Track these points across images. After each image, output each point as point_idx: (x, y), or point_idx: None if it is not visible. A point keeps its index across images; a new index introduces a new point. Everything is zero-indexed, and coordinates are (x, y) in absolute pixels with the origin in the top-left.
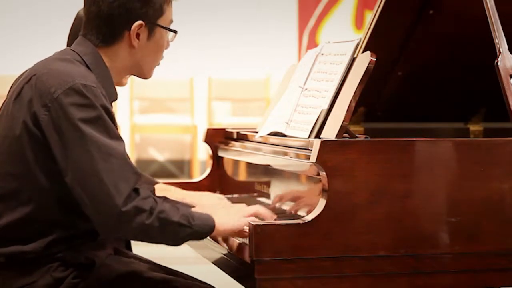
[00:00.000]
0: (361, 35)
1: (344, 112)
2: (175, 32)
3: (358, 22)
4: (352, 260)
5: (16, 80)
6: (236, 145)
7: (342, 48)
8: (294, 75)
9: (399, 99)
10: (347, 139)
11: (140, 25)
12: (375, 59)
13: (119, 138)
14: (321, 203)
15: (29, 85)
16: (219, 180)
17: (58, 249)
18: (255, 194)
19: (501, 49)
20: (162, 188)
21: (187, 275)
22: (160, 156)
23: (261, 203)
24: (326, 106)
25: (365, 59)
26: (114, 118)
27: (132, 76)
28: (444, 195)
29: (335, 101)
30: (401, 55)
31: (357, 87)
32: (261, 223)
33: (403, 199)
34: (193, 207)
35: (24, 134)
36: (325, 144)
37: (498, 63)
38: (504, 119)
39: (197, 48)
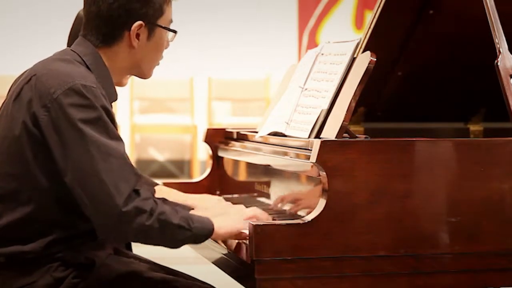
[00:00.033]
0: (361, 35)
1: (344, 112)
2: (175, 32)
3: (358, 22)
4: (352, 260)
5: (16, 80)
6: (236, 145)
7: (342, 48)
8: (294, 75)
9: (399, 99)
10: (347, 139)
11: (140, 25)
12: (375, 59)
13: (119, 139)
14: (321, 203)
15: (29, 85)
16: (219, 180)
17: (58, 249)
18: (255, 194)
19: (501, 49)
20: (163, 190)
21: (187, 275)
22: (160, 156)
23: (261, 203)
24: (326, 106)
25: (365, 59)
26: (114, 119)
27: (132, 76)
28: (444, 195)
29: (335, 101)
30: (401, 55)
31: (357, 87)
32: (261, 223)
33: (403, 199)
34: (192, 209)
35: (23, 135)
36: (325, 144)
37: (498, 63)
38: (504, 119)
39: (197, 48)
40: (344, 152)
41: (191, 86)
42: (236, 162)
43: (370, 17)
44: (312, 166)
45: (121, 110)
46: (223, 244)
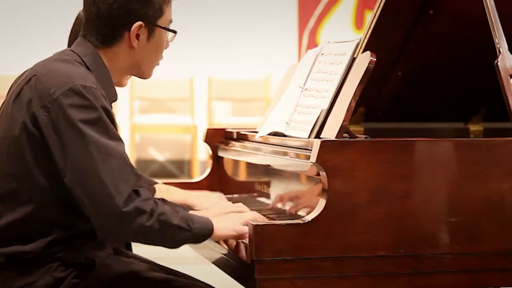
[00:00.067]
0: (361, 35)
1: (344, 112)
2: (174, 32)
3: (358, 22)
4: (352, 260)
5: (15, 80)
6: (236, 145)
7: (342, 48)
8: (294, 75)
9: (399, 99)
10: (347, 139)
11: (140, 26)
12: (375, 59)
13: (119, 139)
14: (321, 203)
15: (29, 85)
16: (219, 180)
17: (58, 249)
18: (255, 194)
19: (501, 49)
20: (163, 188)
21: (187, 275)
22: (160, 156)
23: (261, 203)
24: (326, 106)
25: (365, 59)
26: (114, 119)
27: (132, 76)
28: (444, 195)
29: (335, 101)
30: (401, 55)
31: (357, 87)
32: (261, 223)
33: (403, 199)
34: (192, 209)
35: (23, 135)
36: (325, 144)
37: (498, 63)
38: (504, 119)
39: (197, 48)
40: (344, 152)
41: (191, 86)
42: (236, 162)
43: (370, 17)
44: (312, 166)
45: (121, 110)
46: (223, 244)
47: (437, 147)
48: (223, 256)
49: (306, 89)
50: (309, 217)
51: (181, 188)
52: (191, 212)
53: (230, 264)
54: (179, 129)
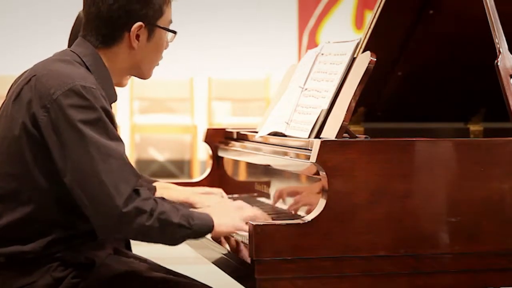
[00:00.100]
0: (361, 35)
1: (344, 112)
2: (174, 32)
3: (358, 22)
4: (352, 260)
5: (15, 80)
6: (236, 145)
7: (342, 48)
8: (294, 75)
9: (399, 99)
10: (347, 139)
11: (140, 27)
12: (375, 59)
13: (118, 140)
14: (321, 203)
15: (29, 86)
16: (219, 180)
17: (58, 249)
18: (255, 194)
19: (501, 49)
20: (163, 187)
21: (187, 276)
22: (160, 156)
23: (261, 203)
24: (326, 106)
25: (365, 59)
26: (114, 119)
27: (132, 76)
28: (444, 195)
29: (335, 101)
30: (401, 55)
31: (357, 87)
32: (261, 223)
33: (403, 199)
34: (192, 207)
35: (23, 135)
36: (325, 144)
37: (498, 63)
38: (504, 119)
39: (197, 48)
40: (344, 152)
41: (191, 86)
42: (236, 162)
43: (370, 17)
44: (312, 166)
45: (121, 110)
46: (223, 244)
47: (437, 147)
48: (223, 256)
49: (306, 89)
50: (309, 217)
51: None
52: (191, 209)
53: (230, 264)
54: (179, 129)
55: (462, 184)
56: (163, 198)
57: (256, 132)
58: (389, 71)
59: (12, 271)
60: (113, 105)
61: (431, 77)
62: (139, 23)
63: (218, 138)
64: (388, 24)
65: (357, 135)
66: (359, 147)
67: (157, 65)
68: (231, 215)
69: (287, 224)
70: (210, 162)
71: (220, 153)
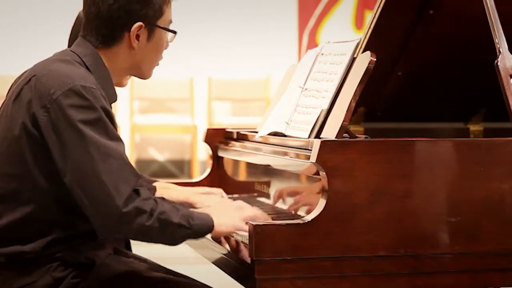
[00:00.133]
0: (361, 35)
1: (344, 112)
2: (174, 32)
3: (358, 22)
4: (352, 260)
5: (15, 80)
6: (236, 145)
7: (342, 48)
8: (294, 75)
9: (399, 99)
10: (347, 139)
11: (140, 27)
12: (375, 59)
13: (118, 140)
14: (321, 203)
15: (29, 86)
16: (219, 180)
17: (58, 249)
18: (255, 194)
19: (501, 49)
20: (164, 187)
21: (187, 276)
22: (160, 156)
23: (261, 203)
24: (326, 106)
25: (365, 59)
26: (114, 119)
27: (132, 76)
28: (444, 195)
29: (335, 101)
30: (401, 55)
31: (357, 87)
32: (261, 223)
33: (403, 199)
34: (192, 207)
35: (23, 135)
36: (325, 144)
37: (498, 63)
38: (504, 119)
39: (197, 48)
40: (344, 152)
41: (191, 86)
42: (236, 162)
43: (370, 17)
44: (312, 166)
45: (121, 110)
46: (223, 244)
47: (437, 147)
48: (223, 256)
49: (306, 89)
50: (309, 217)
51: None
52: (191, 209)
53: (230, 264)
54: (179, 129)
55: (462, 184)
56: (163, 198)
57: (256, 132)
58: (389, 71)
59: (12, 271)
60: (113, 105)
61: (431, 77)
62: (139, 23)
63: (218, 138)
64: (388, 24)
65: (357, 135)
66: (359, 147)
67: (157, 65)
68: (231, 215)
69: (287, 224)
70: (210, 162)
71: (220, 153)
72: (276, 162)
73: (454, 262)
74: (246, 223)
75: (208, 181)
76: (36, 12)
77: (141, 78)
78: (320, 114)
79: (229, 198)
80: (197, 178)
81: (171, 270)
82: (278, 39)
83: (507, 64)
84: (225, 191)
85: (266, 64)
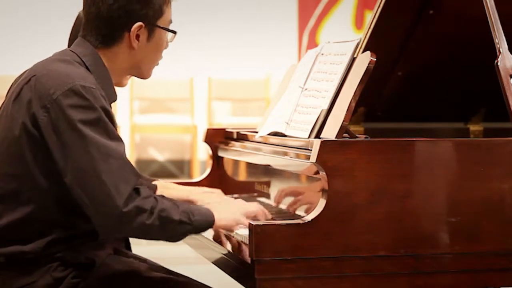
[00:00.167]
0: (361, 35)
1: (344, 112)
2: (174, 32)
3: (358, 22)
4: (352, 260)
5: (15, 80)
6: (236, 145)
7: (342, 48)
8: (294, 75)
9: (399, 99)
10: (347, 139)
11: (140, 27)
12: (375, 59)
13: (119, 139)
14: (321, 203)
15: (29, 86)
16: (219, 180)
17: (58, 249)
18: (255, 194)
19: (501, 49)
20: (163, 186)
21: (186, 276)
22: (160, 156)
23: (261, 203)
24: (326, 106)
25: (365, 59)
26: (114, 119)
27: (132, 76)
28: (444, 195)
29: (335, 101)
30: (401, 55)
31: (357, 87)
32: (261, 223)
33: (403, 199)
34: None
35: (23, 135)
36: (325, 144)
37: (498, 63)
38: (504, 119)
39: (197, 48)
40: (344, 152)
41: (191, 86)
42: (236, 162)
43: (370, 17)
44: (312, 166)
45: (121, 110)
46: (223, 244)
47: (437, 147)
48: (223, 256)
49: (306, 89)
50: (309, 217)
51: None
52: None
53: (230, 264)
54: (179, 129)
55: (462, 184)
56: (162, 196)
57: (256, 132)
58: (389, 71)
59: (12, 271)
60: (113, 105)
61: (431, 77)
62: (139, 23)
63: (218, 138)
64: (388, 24)
65: (357, 135)
66: (359, 147)
67: (157, 65)
68: (232, 210)
69: (287, 224)
70: (210, 162)
71: (220, 153)
72: (276, 162)
73: (454, 262)
74: (247, 218)
75: (208, 181)
76: (36, 12)
77: (141, 78)
78: (320, 114)
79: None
80: (197, 178)
81: (171, 270)
82: (278, 39)
83: (507, 64)
84: (225, 191)
85: (266, 64)
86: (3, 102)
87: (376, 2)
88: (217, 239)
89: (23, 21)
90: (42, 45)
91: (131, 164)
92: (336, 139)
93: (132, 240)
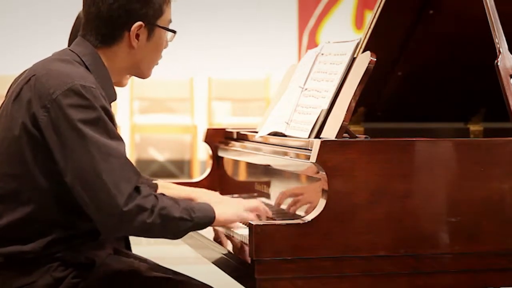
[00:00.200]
0: (361, 35)
1: (344, 112)
2: (174, 32)
3: (358, 22)
4: (352, 260)
5: (15, 80)
6: (236, 145)
7: (342, 48)
8: (294, 75)
9: (399, 99)
10: (347, 139)
11: (140, 26)
12: (375, 59)
13: (119, 139)
14: (321, 203)
15: (28, 85)
16: (219, 180)
17: (58, 249)
18: (255, 194)
19: (501, 49)
20: (164, 186)
21: (187, 275)
22: (160, 156)
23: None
24: (326, 106)
25: (365, 59)
26: (114, 119)
27: (132, 77)
28: (444, 195)
29: (335, 101)
30: (401, 55)
31: (357, 87)
32: (261, 223)
33: (403, 199)
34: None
35: (23, 135)
36: (325, 144)
37: (498, 63)
38: (504, 119)
39: (197, 48)
40: (344, 152)
41: (191, 86)
42: (236, 162)
43: (370, 17)
44: (312, 166)
45: (121, 110)
46: (223, 244)
47: (437, 147)
48: (223, 256)
49: (306, 89)
50: (309, 217)
51: None
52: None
53: (230, 264)
54: (179, 129)
55: (462, 184)
56: (163, 194)
57: (256, 132)
58: (389, 71)
59: (12, 271)
60: (113, 105)
61: (431, 77)
62: (139, 22)
63: (218, 138)
64: (388, 24)
65: (357, 135)
66: (359, 147)
67: (157, 64)
68: (234, 205)
69: (287, 224)
70: (210, 162)
71: (220, 153)
72: (276, 162)
73: (454, 262)
74: (250, 211)
75: (208, 181)
76: (36, 12)
77: (141, 78)
78: (320, 114)
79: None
80: (197, 178)
81: (171, 270)
82: (278, 39)
83: (507, 64)
84: (225, 191)
85: (266, 64)
86: (3, 102)
87: (376, 2)
88: (217, 239)
89: (23, 21)
90: (42, 45)
91: (132, 163)
92: (336, 139)
93: (132, 240)
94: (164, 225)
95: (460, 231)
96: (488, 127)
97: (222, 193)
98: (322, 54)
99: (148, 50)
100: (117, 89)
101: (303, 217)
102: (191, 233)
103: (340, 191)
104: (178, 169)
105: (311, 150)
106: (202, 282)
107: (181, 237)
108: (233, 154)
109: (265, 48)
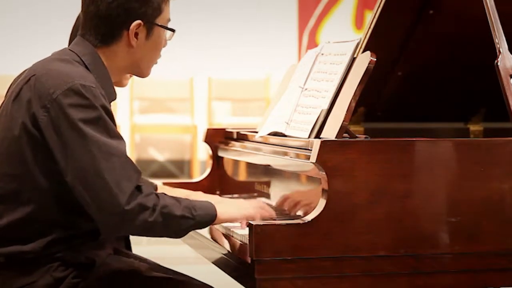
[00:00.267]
0: (361, 35)
1: (344, 112)
2: (173, 30)
3: (358, 22)
4: (352, 260)
5: (15, 80)
6: (236, 145)
7: (342, 48)
8: (294, 75)
9: (399, 99)
10: (347, 139)
11: (139, 25)
12: (375, 59)
13: (119, 138)
14: (321, 203)
15: (28, 85)
16: (219, 180)
17: (58, 249)
18: (255, 194)
19: (501, 49)
20: (164, 189)
21: (187, 275)
22: (160, 156)
23: None
24: (326, 106)
25: (365, 59)
26: (114, 118)
27: (132, 76)
28: (444, 195)
29: (335, 101)
30: (401, 55)
31: (357, 87)
32: (261, 223)
33: (403, 199)
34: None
35: (23, 135)
36: (325, 144)
37: (498, 63)
38: (504, 119)
39: (197, 48)
40: (344, 152)
41: (191, 86)
42: (236, 162)
43: (370, 17)
44: (312, 166)
45: (121, 110)
46: (223, 244)
47: (437, 147)
48: (223, 256)
49: (306, 89)
50: (309, 217)
51: (181, 188)
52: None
53: (230, 264)
54: (179, 129)
55: (462, 184)
56: (164, 193)
57: (256, 132)
58: (389, 71)
59: (12, 271)
60: (113, 104)
61: (431, 77)
62: (138, 21)
63: (218, 138)
64: (388, 24)
65: (357, 135)
66: (359, 147)
67: (156, 63)
68: (237, 204)
69: (287, 224)
70: (210, 162)
71: (220, 153)
72: (276, 162)
73: (454, 262)
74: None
75: (208, 181)
76: (36, 12)
77: (140, 77)
78: (320, 114)
79: (229, 198)
80: (197, 178)
81: (172, 270)
82: (278, 39)
83: (507, 64)
84: (225, 191)
85: (266, 64)
86: (3, 102)
87: (376, 2)
88: (217, 239)
89: (23, 21)
90: (42, 45)
91: (132, 162)
92: (336, 139)
93: (132, 240)
94: (166, 224)
95: (460, 231)
96: (488, 127)
97: (222, 193)
98: (322, 54)
99: (147, 49)
100: (117, 89)
101: (303, 217)
102: (191, 233)
103: (340, 191)
104: (178, 169)
105: (311, 150)
106: (202, 282)
107: (183, 235)
108: (233, 154)
109: (265, 48)
